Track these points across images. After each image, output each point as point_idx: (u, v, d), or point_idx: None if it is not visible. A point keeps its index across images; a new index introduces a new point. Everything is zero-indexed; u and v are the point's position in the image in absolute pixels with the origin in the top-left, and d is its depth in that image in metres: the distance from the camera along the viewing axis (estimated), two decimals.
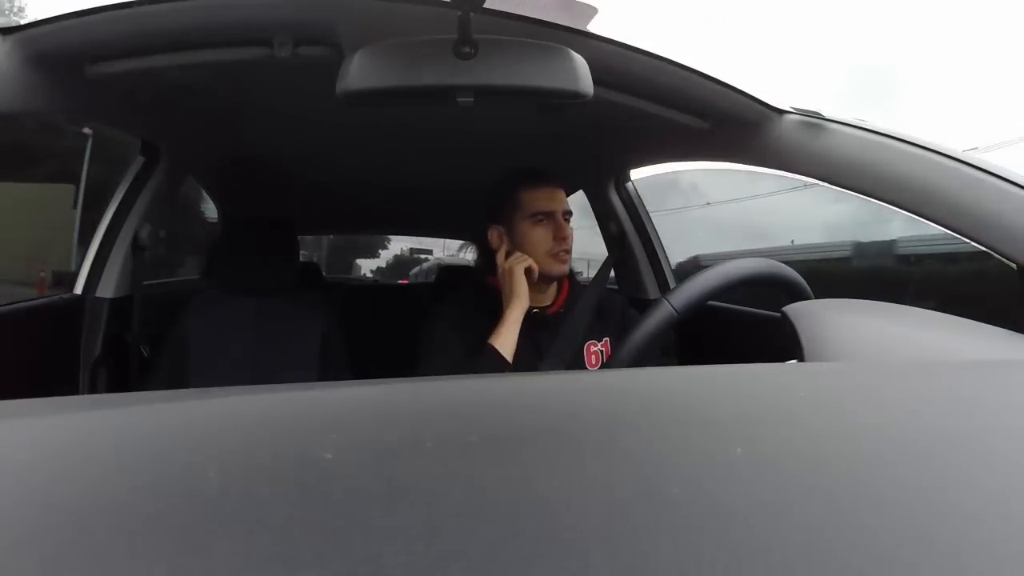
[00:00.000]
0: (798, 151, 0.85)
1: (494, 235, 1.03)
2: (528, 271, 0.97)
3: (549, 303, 1.05)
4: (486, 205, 1.05)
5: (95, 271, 1.24)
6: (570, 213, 1.02)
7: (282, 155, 1.48)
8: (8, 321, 1.06)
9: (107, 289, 1.24)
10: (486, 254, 1.07)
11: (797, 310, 0.48)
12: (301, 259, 1.60)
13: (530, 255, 0.98)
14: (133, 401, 0.26)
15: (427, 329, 1.02)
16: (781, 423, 0.24)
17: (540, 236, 0.99)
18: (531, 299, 0.98)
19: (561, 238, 0.99)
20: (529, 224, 0.99)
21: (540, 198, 1.00)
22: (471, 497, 0.17)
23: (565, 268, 1.00)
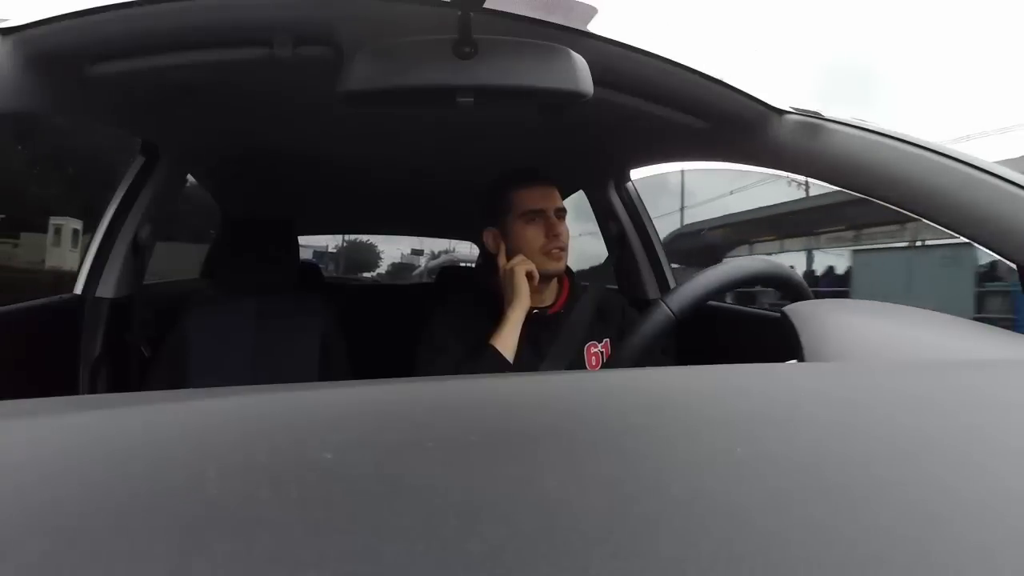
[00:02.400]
0: (798, 151, 0.85)
1: (489, 237, 1.03)
2: (529, 275, 0.97)
3: (549, 303, 1.05)
4: (481, 208, 1.06)
5: (95, 271, 1.24)
6: (563, 211, 1.02)
7: (282, 155, 1.48)
8: (8, 321, 1.06)
9: (107, 289, 1.24)
10: (486, 256, 1.07)
11: (797, 310, 0.48)
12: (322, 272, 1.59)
13: (524, 254, 0.98)
14: (133, 401, 0.25)
15: (427, 331, 1.02)
16: (781, 423, 0.24)
17: (533, 234, 0.99)
18: (531, 299, 0.98)
19: (554, 235, 0.99)
20: (522, 223, 0.99)
21: (531, 197, 1.00)
22: (471, 497, 0.17)
23: (560, 265, 1.00)
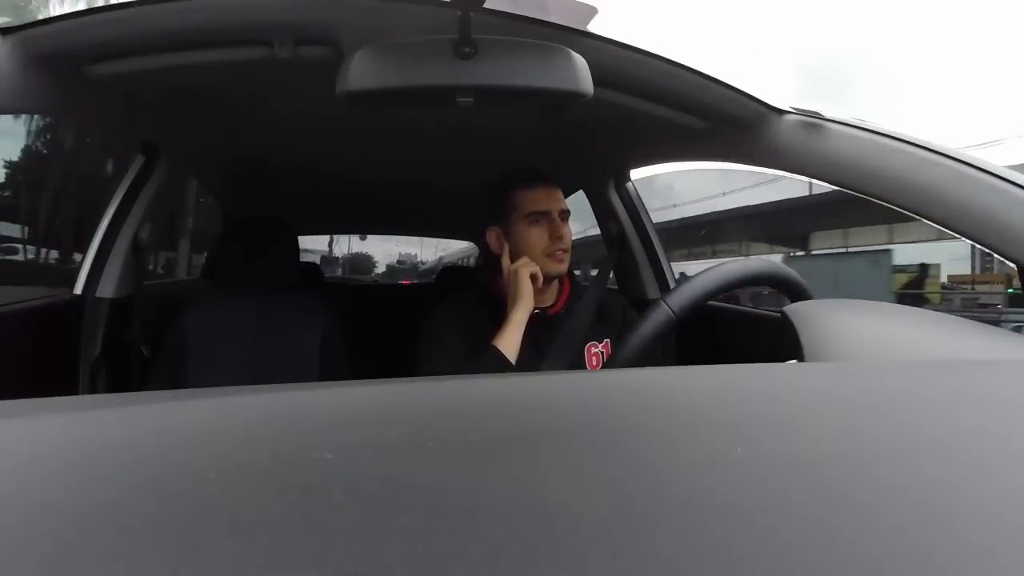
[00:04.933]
0: (798, 151, 0.85)
1: (492, 237, 1.03)
2: (533, 276, 0.96)
3: (550, 303, 1.05)
4: (484, 207, 1.05)
5: (95, 271, 1.24)
6: (567, 212, 1.02)
7: (282, 155, 1.48)
8: (8, 321, 1.06)
9: (107, 289, 1.24)
10: (487, 255, 1.07)
11: (797, 310, 0.48)
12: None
13: (527, 255, 0.98)
14: (133, 401, 0.26)
15: (428, 329, 1.01)
16: (781, 423, 0.24)
17: (536, 236, 0.98)
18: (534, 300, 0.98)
19: (557, 237, 0.98)
20: (525, 224, 0.99)
21: (535, 198, 1.00)
22: (471, 497, 0.17)
23: (563, 268, 1.00)
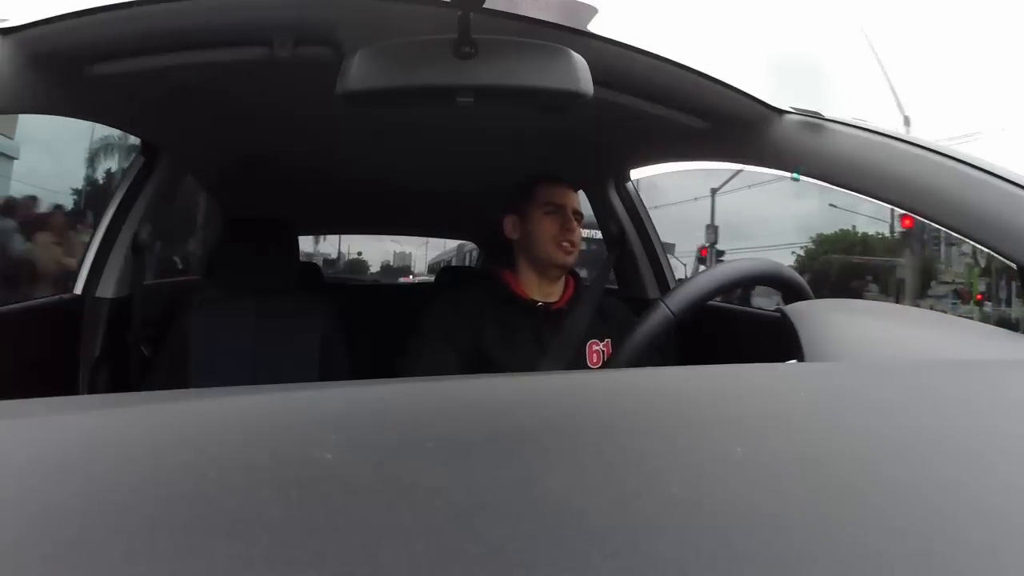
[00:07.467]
0: (798, 151, 0.85)
1: (509, 223, 1.11)
2: None
3: (555, 299, 1.08)
4: (507, 197, 1.15)
5: (95, 271, 1.24)
6: (580, 214, 1.10)
7: (282, 155, 1.48)
8: (8, 321, 1.06)
9: (107, 289, 1.24)
10: (497, 245, 1.13)
11: (797, 310, 0.48)
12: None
13: (538, 241, 1.06)
14: (133, 401, 0.26)
15: (425, 324, 1.05)
16: (781, 423, 0.24)
17: (549, 224, 1.07)
18: (539, 293, 1.07)
19: (567, 230, 1.06)
20: (541, 214, 1.08)
21: (554, 193, 1.09)
22: (471, 497, 0.17)
23: (569, 259, 1.07)
